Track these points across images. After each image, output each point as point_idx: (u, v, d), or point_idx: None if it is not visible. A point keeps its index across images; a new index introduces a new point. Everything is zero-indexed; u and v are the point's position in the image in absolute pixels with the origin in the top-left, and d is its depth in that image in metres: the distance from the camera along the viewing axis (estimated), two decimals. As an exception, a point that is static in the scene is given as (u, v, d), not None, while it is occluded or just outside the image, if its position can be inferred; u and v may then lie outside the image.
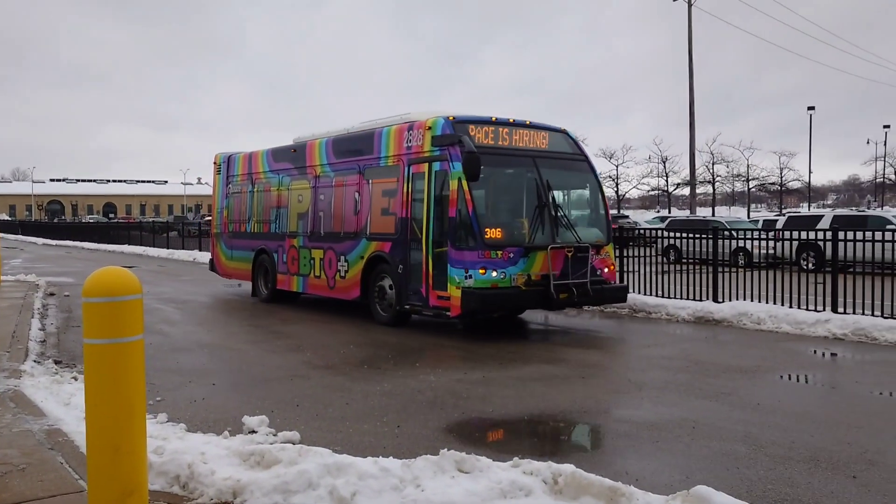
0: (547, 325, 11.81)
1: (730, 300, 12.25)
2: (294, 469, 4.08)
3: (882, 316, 10.51)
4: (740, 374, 7.87)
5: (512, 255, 9.87)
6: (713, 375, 7.83)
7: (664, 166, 66.06)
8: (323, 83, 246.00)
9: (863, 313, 10.68)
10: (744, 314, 11.41)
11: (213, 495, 4.05)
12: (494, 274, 9.72)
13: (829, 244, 11.54)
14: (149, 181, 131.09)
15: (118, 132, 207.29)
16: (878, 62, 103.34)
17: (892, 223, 19.40)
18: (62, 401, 6.14)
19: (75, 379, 6.95)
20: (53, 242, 46.50)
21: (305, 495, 3.90)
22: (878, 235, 11.30)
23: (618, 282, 12.10)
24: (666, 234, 16.86)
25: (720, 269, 12.70)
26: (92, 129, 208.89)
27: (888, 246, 11.04)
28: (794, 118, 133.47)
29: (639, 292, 13.39)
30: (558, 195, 10.82)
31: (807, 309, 11.25)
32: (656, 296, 13.17)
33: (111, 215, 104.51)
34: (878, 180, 71.67)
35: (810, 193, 69.35)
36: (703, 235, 13.66)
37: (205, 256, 27.22)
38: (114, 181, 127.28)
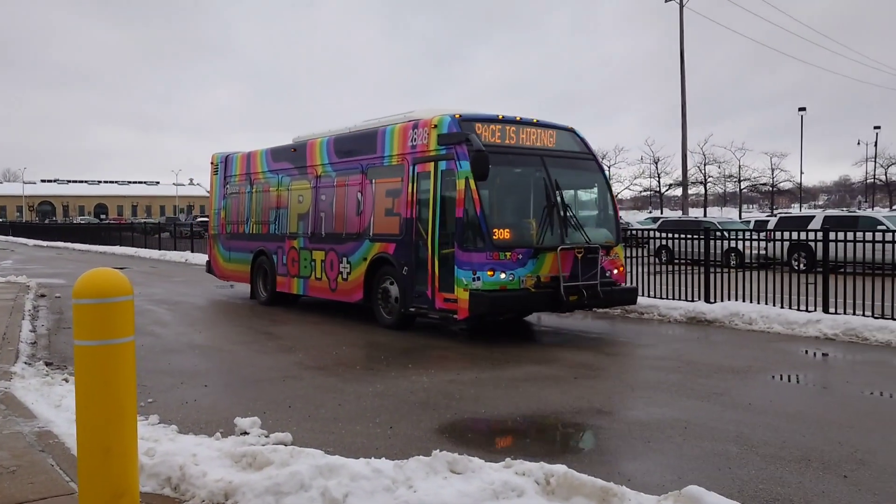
0: (539, 325, 11.82)
1: (721, 301, 12.29)
2: (286, 470, 4.07)
3: (873, 316, 10.57)
4: (732, 375, 7.89)
5: (521, 256, 9.67)
6: (705, 376, 7.85)
7: (656, 167, 66.36)
8: (314, 84, 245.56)
9: (853, 313, 10.74)
10: (735, 314, 11.45)
11: (205, 497, 4.04)
12: (503, 275, 9.51)
13: (820, 245, 11.60)
14: (140, 182, 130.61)
15: (109, 133, 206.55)
16: (868, 63, 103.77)
17: (882, 224, 19.51)
18: (53, 403, 6.11)
19: (66, 381, 6.91)
20: (44, 244, 46.28)
21: (297, 497, 3.89)
22: (869, 236, 11.35)
23: (627, 283, 11.94)
24: (658, 234, 16.92)
25: (712, 269, 12.74)
26: (82, 129, 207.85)
27: (878, 246, 11.11)
28: (786, 119, 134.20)
29: (631, 293, 13.39)
30: (567, 195, 10.60)
31: (798, 309, 11.30)
32: (648, 296, 13.20)
33: (103, 216, 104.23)
34: (868, 181, 72.02)
35: (801, 194, 69.69)
36: (695, 236, 13.70)
37: (197, 258, 27.17)
38: (105, 182, 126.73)
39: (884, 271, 11.83)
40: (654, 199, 71.52)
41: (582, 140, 11.22)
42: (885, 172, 71.25)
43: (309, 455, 4.31)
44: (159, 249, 32.33)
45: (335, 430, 5.85)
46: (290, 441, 5.29)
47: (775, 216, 27.66)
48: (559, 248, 9.89)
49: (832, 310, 11.07)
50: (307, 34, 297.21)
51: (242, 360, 8.83)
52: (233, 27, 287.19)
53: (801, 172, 61.30)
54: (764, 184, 68.70)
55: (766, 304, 11.77)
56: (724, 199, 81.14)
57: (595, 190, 11.25)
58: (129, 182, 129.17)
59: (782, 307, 11.46)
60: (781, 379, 7.87)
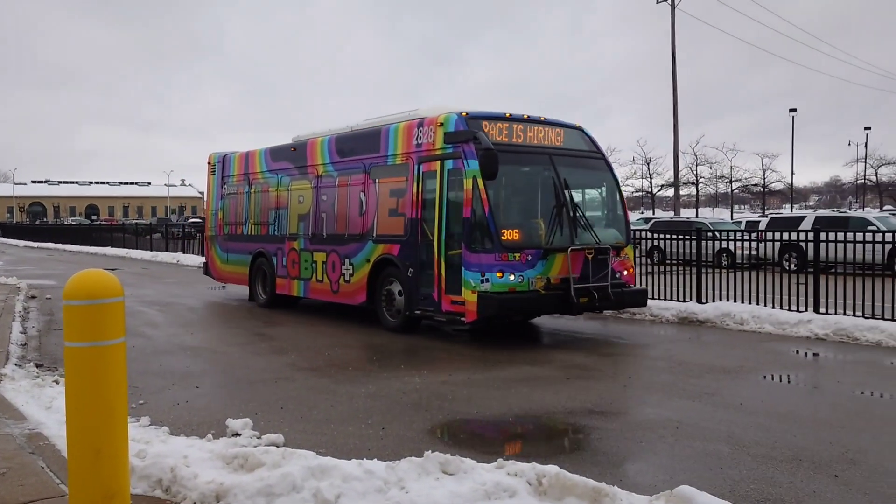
0: (532, 326, 11.82)
1: (713, 301, 12.33)
2: (278, 472, 4.06)
3: (863, 316, 10.61)
4: (723, 375, 7.92)
5: (530, 257, 9.43)
6: (696, 376, 7.88)
7: (648, 168, 66.46)
8: (307, 84, 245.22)
9: (844, 314, 10.79)
10: (727, 315, 11.49)
11: (196, 499, 4.03)
12: (512, 277, 9.27)
13: (811, 245, 11.66)
14: (132, 183, 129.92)
15: (100, 133, 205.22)
16: (859, 64, 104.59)
17: (872, 224, 19.63)
18: (43, 404, 6.09)
19: (57, 382, 6.88)
20: (35, 245, 46.04)
21: (289, 498, 3.88)
22: (860, 236, 11.42)
23: (637, 285, 11.73)
24: (650, 235, 16.95)
25: (704, 269, 12.78)
26: (73, 130, 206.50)
27: (869, 247, 11.17)
28: (777, 120, 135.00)
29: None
30: (576, 194, 10.36)
31: (789, 309, 11.34)
32: (641, 297, 13.20)
33: (94, 217, 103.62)
34: (859, 182, 72.36)
35: (793, 195, 69.86)
36: (687, 236, 13.73)
37: (189, 259, 27.09)
38: (96, 183, 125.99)
39: (874, 271, 11.88)
40: (645, 199, 71.66)
41: (590, 138, 11.00)
42: (876, 173, 71.65)
43: (301, 456, 4.30)
44: (151, 250, 32.21)
45: (327, 431, 5.84)
46: (282, 442, 5.27)
47: (766, 216, 27.75)
48: (569, 248, 9.69)
49: (823, 310, 11.12)
50: (301, 34, 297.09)
51: (235, 362, 8.81)
52: (226, 26, 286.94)
53: (792, 173, 61.43)
54: (755, 184, 69.02)
55: (758, 304, 11.82)
56: (715, 200, 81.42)
57: (604, 189, 11.04)
58: (121, 183, 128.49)
59: (773, 307, 11.50)
60: (773, 379, 7.90)
